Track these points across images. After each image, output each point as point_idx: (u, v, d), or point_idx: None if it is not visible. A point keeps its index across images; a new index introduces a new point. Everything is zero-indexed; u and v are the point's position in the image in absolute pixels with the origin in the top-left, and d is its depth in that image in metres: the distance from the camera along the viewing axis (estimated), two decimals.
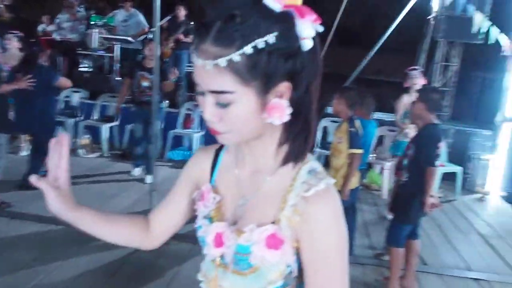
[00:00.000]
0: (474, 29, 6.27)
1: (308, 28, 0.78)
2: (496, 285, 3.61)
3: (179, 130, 6.53)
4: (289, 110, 0.80)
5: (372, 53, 7.35)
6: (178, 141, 6.60)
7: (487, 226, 5.04)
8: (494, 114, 10.09)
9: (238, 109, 0.78)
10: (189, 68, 7.77)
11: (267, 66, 0.75)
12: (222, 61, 0.73)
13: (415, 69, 5.20)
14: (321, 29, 0.80)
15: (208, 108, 0.80)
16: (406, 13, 6.96)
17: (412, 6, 6.93)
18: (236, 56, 0.73)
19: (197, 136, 6.33)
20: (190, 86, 7.41)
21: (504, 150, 6.39)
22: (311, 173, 0.87)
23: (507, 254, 4.26)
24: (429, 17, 8.51)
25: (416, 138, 3.31)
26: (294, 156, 0.87)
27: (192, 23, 7.54)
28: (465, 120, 12.59)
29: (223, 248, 0.90)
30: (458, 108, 9.20)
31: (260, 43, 0.73)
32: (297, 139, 0.86)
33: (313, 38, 0.80)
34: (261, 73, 0.76)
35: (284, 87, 0.79)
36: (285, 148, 0.87)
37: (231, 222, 0.91)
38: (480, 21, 6.10)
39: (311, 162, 0.90)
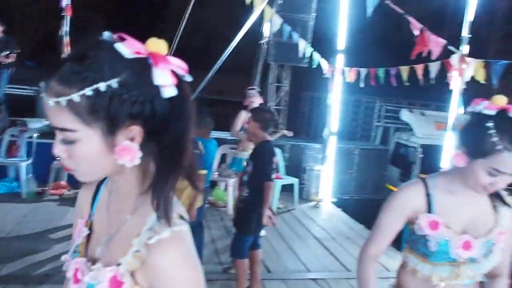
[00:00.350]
0: (300, 54, 6.99)
1: (163, 76, 0.77)
2: (331, 282, 3.97)
3: (2, 160, 5.73)
4: (139, 154, 0.80)
5: (210, 74, 7.57)
6: (1, 172, 5.79)
7: (322, 230, 5.55)
8: (322, 129, 11.28)
9: (82, 148, 0.79)
10: (11, 89, 6.95)
11: (108, 109, 0.76)
12: (63, 100, 0.75)
13: (253, 88, 5.53)
14: (189, 78, 0.81)
15: (56, 144, 0.81)
16: (242, 37, 7.38)
17: (247, 31, 7.39)
18: (76, 97, 0.74)
19: (24, 165, 5.63)
20: (12, 109, 6.61)
21: (331, 161, 7.18)
22: (158, 220, 0.83)
23: (339, 253, 4.74)
24: (260, 41, 9.21)
25: (252, 155, 3.49)
26: (157, 198, 0.83)
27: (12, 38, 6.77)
28: (299, 135, 13.84)
29: (79, 285, 0.89)
30: (291, 125, 10.03)
31: (102, 86, 0.74)
32: (160, 181, 0.84)
33: (180, 86, 0.80)
34: (103, 116, 0.76)
35: (135, 130, 0.79)
36: (147, 191, 0.85)
37: (90, 259, 0.91)
38: (303, 47, 6.81)
39: (176, 205, 0.87)
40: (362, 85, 6.08)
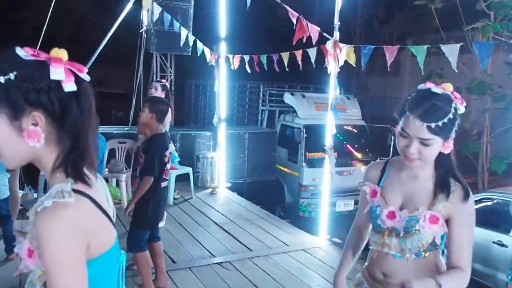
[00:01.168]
0: (182, 43, 6.95)
1: (57, 73, 0.97)
2: (236, 263, 4.14)
3: None
4: (43, 135, 0.98)
5: (88, 64, 7.13)
6: None
7: (220, 215, 5.70)
8: (210, 116, 11.36)
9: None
10: None
11: (8, 97, 0.96)
12: None
13: (158, 81, 5.33)
14: (87, 78, 1.04)
15: None
16: (121, 26, 7.06)
17: (125, 19, 7.08)
18: None
19: None
20: None
21: (223, 147, 7.33)
22: (55, 192, 0.98)
23: (240, 235, 4.94)
24: (141, 30, 8.92)
25: (145, 147, 3.40)
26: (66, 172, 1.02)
27: None
28: (187, 124, 13.79)
29: None
30: (180, 114, 9.95)
31: (1, 79, 0.95)
32: (67, 161, 1.03)
33: (79, 83, 1.00)
34: (5, 103, 0.96)
35: (37, 116, 0.97)
36: (59, 169, 1.03)
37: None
38: (185, 35, 6.78)
39: (67, 184, 1.00)
40: (249, 71, 6.27)
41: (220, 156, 7.28)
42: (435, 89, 1.45)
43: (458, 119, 1.45)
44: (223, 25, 7.08)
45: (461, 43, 3.63)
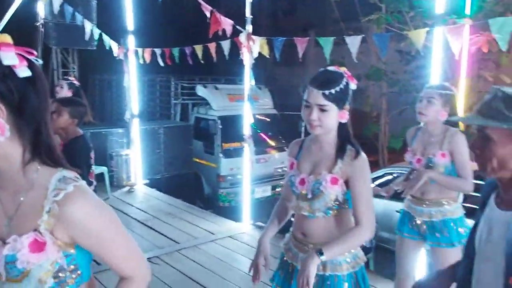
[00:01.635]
0: (86, 37, 6.63)
1: (9, 58, 0.92)
2: (165, 257, 4.14)
3: None
4: (7, 127, 0.94)
5: None
6: None
7: (141, 212, 5.60)
8: (119, 112, 10.97)
9: None
10: None
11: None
12: None
13: (65, 79, 4.97)
14: (40, 61, 1.00)
15: None
16: (13, 17, 6.50)
17: (18, 11, 6.54)
18: None
19: None
20: None
21: (137, 143, 7.16)
22: (61, 181, 1.01)
23: (164, 230, 4.92)
24: (37, 23, 8.31)
25: (67, 152, 3.16)
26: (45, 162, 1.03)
27: None
28: (99, 121, 13.13)
29: None
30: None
31: None
32: (42, 151, 1.02)
33: (32, 68, 0.97)
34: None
35: None
36: (34, 164, 1.02)
37: None
38: (89, 28, 6.49)
39: (62, 172, 1.04)
40: (162, 64, 6.18)
41: (135, 153, 7.11)
42: (331, 68, 1.74)
43: (349, 93, 1.72)
44: (130, 17, 6.87)
45: (362, 35, 3.97)
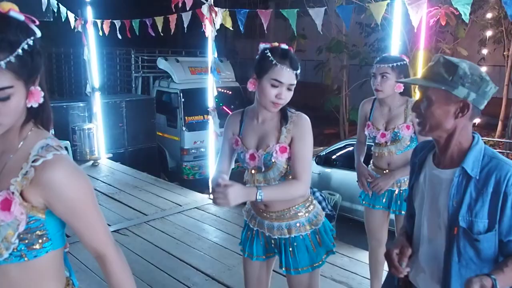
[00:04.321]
0: (43, 7, 6.37)
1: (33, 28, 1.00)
2: (133, 229, 4.22)
3: None
4: (42, 94, 1.02)
5: None
6: None
7: (107, 186, 5.61)
8: (77, 86, 10.66)
9: (15, 100, 0.97)
10: None
11: (33, 63, 0.98)
12: (3, 63, 0.92)
13: None
14: (38, 33, 1.01)
15: None
16: None
17: None
18: (12, 58, 0.94)
19: None
20: None
21: (99, 117, 7.05)
22: (43, 148, 1.05)
23: (132, 202, 4.97)
24: None
25: None
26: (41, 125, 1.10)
27: None
28: (53, 96, 12.70)
29: None
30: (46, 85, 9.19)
31: (25, 46, 0.95)
32: (39, 114, 1.09)
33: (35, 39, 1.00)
34: (28, 70, 0.97)
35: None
36: (28, 126, 1.09)
37: None
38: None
39: (47, 139, 1.08)
40: (120, 37, 6.07)
41: (97, 126, 7.02)
42: (284, 45, 1.77)
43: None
44: None
45: (325, 7, 4.07)
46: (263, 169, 1.82)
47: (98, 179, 5.87)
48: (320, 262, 1.89)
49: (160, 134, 8.85)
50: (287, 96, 1.74)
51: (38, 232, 1.06)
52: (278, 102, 1.73)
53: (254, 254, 1.99)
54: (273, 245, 1.96)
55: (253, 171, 1.86)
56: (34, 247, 1.06)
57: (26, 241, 1.04)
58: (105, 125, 7.17)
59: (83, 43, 6.80)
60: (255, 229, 1.97)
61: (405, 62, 2.53)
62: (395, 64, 2.47)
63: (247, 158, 1.84)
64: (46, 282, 1.13)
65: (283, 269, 1.91)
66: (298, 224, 1.86)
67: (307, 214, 1.87)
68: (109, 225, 4.23)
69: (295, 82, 1.73)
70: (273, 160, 1.79)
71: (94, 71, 6.98)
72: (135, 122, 7.93)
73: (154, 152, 8.47)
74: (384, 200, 2.69)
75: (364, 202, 2.78)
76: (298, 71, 1.74)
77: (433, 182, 1.40)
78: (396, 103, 2.59)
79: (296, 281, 1.92)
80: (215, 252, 3.74)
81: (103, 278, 1.23)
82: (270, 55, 1.70)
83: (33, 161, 1.02)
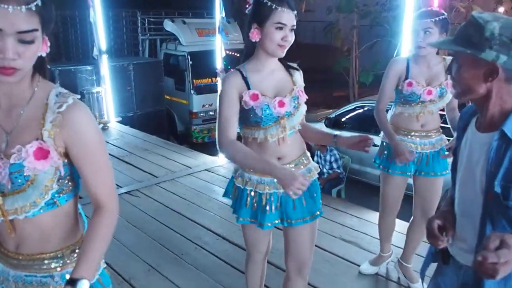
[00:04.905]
0: None
1: None
2: (144, 190, 4.27)
3: None
4: (49, 44, 1.06)
5: None
6: None
7: (118, 149, 5.65)
8: (85, 49, 10.57)
9: (35, 46, 1.00)
10: None
11: (50, 13, 1.02)
12: (33, 6, 0.96)
13: None
14: None
15: (10, 47, 0.95)
16: None
17: None
18: (39, 1, 0.97)
19: None
20: None
21: (107, 80, 7.02)
22: (59, 95, 1.10)
23: (142, 165, 5.02)
24: None
25: None
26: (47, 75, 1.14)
27: None
28: (59, 59, 12.64)
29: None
30: (53, 49, 9.13)
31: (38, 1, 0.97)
32: (45, 65, 1.13)
33: None
34: (48, 15, 1.01)
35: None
36: (36, 77, 1.12)
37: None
38: None
39: (57, 88, 1.13)
40: None
41: (106, 90, 7.00)
42: None
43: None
44: None
45: None
46: (293, 113, 1.83)
47: (108, 142, 5.90)
48: (318, 213, 1.94)
49: (168, 97, 8.82)
50: (291, 37, 1.76)
51: (68, 176, 1.13)
52: (284, 45, 1.75)
53: (264, 222, 1.91)
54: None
55: (282, 120, 1.81)
56: (65, 191, 1.13)
57: (59, 187, 1.10)
58: (113, 89, 7.15)
59: (89, 4, 6.67)
60: (247, 188, 1.92)
61: (445, 16, 2.35)
62: (437, 18, 2.30)
63: (276, 107, 1.78)
64: (71, 225, 1.20)
65: (285, 221, 1.91)
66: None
67: (302, 167, 1.92)
68: (120, 186, 4.32)
69: (295, 23, 1.75)
70: (299, 102, 1.85)
71: (101, 34, 6.87)
72: (143, 86, 7.89)
73: (162, 115, 8.47)
74: (409, 164, 2.53)
75: (381, 167, 2.63)
76: (296, 12, 1.77)
77: (473, 146, 1.33)
78: (435, 60, 2.48)
79: (297, 232, 1.94)
80: (225, 212, 3.79)
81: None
82: (267, 0, 1.70)
83: (58, 107, 1.06)
